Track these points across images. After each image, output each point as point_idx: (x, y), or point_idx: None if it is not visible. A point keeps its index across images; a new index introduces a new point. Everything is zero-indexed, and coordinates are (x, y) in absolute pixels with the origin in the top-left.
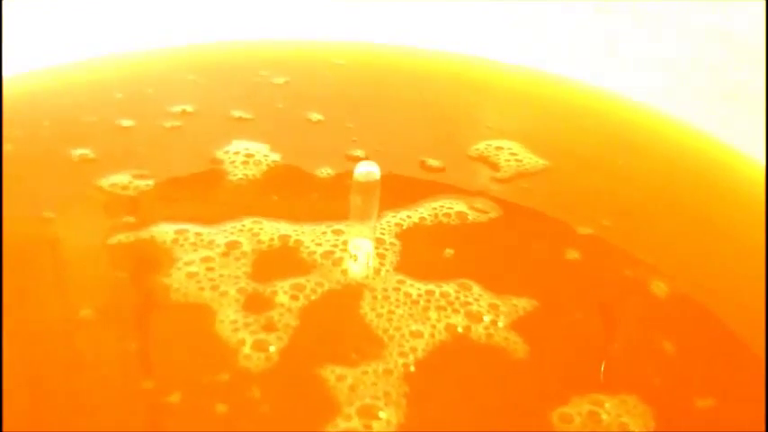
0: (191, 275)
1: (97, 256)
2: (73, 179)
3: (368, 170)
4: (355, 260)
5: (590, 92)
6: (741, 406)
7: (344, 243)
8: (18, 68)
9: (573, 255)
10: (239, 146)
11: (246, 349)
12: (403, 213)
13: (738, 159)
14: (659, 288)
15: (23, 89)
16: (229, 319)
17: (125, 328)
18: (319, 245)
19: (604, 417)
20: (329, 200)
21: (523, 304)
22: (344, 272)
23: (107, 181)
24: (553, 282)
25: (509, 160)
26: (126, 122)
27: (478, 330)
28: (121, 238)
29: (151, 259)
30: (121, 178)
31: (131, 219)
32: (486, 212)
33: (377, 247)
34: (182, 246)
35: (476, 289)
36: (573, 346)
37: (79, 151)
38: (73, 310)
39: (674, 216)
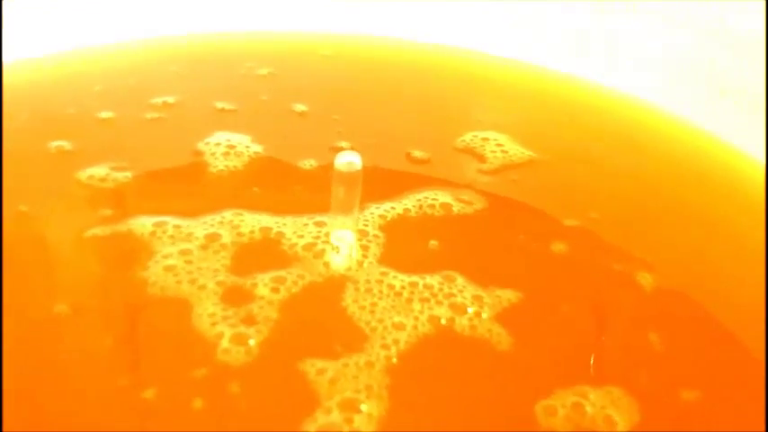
0: (168, 269)
1: (73, 250)
2: (50, 172)
3: (349, 160)
4: (337, 252)
5: (578, 85)
6: (727, 398)
7: (327, 235)
8: None
9: (559, 247)
10: (221, 137)
11: (225, 343)
12: (387, 205)
13: (724, 148)
14: (646, 280)
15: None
16: (207, 313)
17: (100, 324)
18: (301, 237)
19: (589, 409)
20: (312, 192)
21: (508, 296)
22: (326, 264)
23: (84, 173)
24: (538, 274)
25: (495, 152)
26: (105, 114)
27: (462, 322)
28: (97, 231)
29: (128, 252)
30: (99, 170)
31: (108, 212)
32: (471, 204)
33: (360, 239)
34: (159, 238)
35: (460, 281)
36: (558, 338)
37: (57, 143)
38: (47, 306)
39: (661, 209)
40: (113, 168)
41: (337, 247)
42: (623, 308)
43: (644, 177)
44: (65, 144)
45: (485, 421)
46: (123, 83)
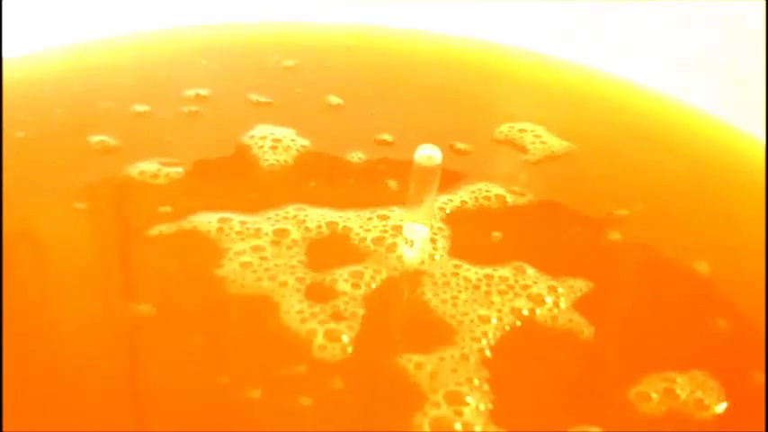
0: (244, 266)
1: (140, 249)
2: (98, 168)
3: (429, 154)
4: (411, 246)
5: (608, 80)
6: None
7: (394, 228)
8: (18, 50)
9: (615, 236)
10: (264, 131)
11: (319, 340)
12: (444, 197)
13: (752, 144)
14: (702, 268)
15: (25, 72)
16: (295, 310)
17: (189, 323)
18: (368, 231)
19: (679, 392)
20: (366, 185)
21: (579, 285)
22: (399, 258)
23: (135, 169)
24: (602, 262)
25: (534, 143)
26: (141, 108)
27: (543, 313)
28: (162, 228)
29: (199, 250)
30: (149, 166)
31: (168, 208)
32: (523, 195)
33: None
34: (227, 235)
35: (530, 271)
36: (633, 325)
37: (97, 138)
38: (127, 306)
39: (696, 200)
40: (163, 164)
41: (411, 241)
42: (686, 294)
43: (675, 171)
44: (107, 139)
45: (587, 410)
46: (152, 75)
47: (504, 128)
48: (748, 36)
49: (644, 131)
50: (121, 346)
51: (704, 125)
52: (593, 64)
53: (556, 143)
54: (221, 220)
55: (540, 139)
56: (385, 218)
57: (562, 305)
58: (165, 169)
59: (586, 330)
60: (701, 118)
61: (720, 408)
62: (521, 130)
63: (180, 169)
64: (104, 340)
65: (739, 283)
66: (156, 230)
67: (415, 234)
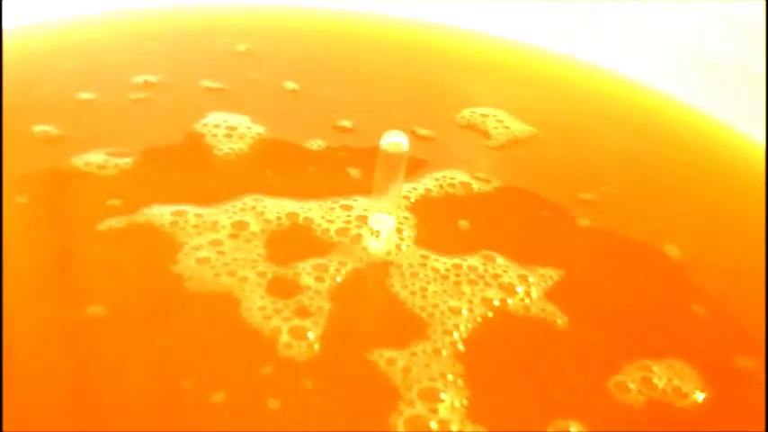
0: (202, 261)
1: (88, 245)
2: (41, 159)
3: (396, 140)
4: (377, 237)
5: (571, 65)
6: None
7: (358, 219)
8: None
9: (584, 221)
10: (218, 118)
11: (285, 337)
12: (408, 185)
13: (717, 126)
14: (673, 252)
15: None
16: (257, 306)
17: (144, 324)
18: (331, 222)
19: (657, 381)
20: (327, 174)
21: (550, 273)
22: (365, 249)
23: (80, 160)
24: (572, 249)
25: (497, 128)
26: (85, 95)
27: (515, 303)
28: (112, 222)
29: (152, 245)
30: (96, 156)
31: (117, 201)
32: (489, 181)
33: None
34: (183, 229)
35: (500, 260)
36: (607, 312)
37: (40, 127)
38: (78, 307)
39: (662, 184)
40: (111, 154)
41: (377, 232)
42: (659, 279)
43: (639, 155)
44: (49, 129)
45: (565, 404)
46: (97, 61)
47: (466, 113)
48: (707, 17)
49: (607, 116)
50: (71, 351)
51: (668, 108)
52: (554, 48)
53: (519, 128)
54: (175, 213)
55: (503, 123)
56: (348, 208)
57: (534, 294)
58: (114, 160)
59: (560, 320)
60: (664, 102)
61: (700, 396)
62: (483, 115)
63: (129, 159)
64: (52, 346)
65: (710, 267)
66: (105, 225)
67: (382, 224)
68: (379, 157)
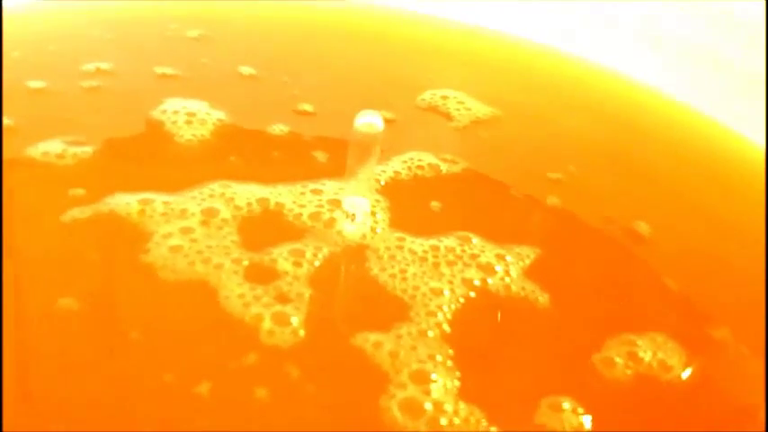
0: (174, 249)
1: (54, 236)
2: None
3: (370, 121)
4: (353, 220)
5: (526, 47)
6: (755, 334)
7: (329, 203)
8: None
9: (553, 200)
10: (175, 104)
11: (267, 324)
12: (377, 168)
13: (677, 106)
14: (643, 228)
15: None
16: (235, 294)
17: (119, 317)
18: (303, 206)
19: (642, 355)
20: (293, 158)
21: (526, 252)
22: (340, 233)
23: (36, 150)
24: (544, 227)
25: (459, 109)
26: (35, 83)
27: (495, 282)
28: (76, 213)
29: (120, 235)
30: (53, 146)
31: (80, 191)
32: (456, 163)
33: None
34: (151, 217)
35: (476, 240)
36: (585, 289)
37: None
38: (48, 301)
39: (623, 162)
40: (69, 143)
41: (353, 215)
42: (630, 256)
43: (600, 135)
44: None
45: (555, 380)
46: (43, 48)
47: (427, 95)
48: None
49: (566, 98)
50: (43, 346)
51: (629, 91)
52: (512, 33)
53: (480, 109)
54: (142, 201)
55: (464, 105)
56: (318, 192)
57: (513, 273)
58: (72, 149)
59: (541, 298)
60: (625, 85)
61: (685, 368)
62: (443, 97)
63: (88, 148)
64: (22, 340)
65: (678, 243)
66: (69, 216)
67: (356, 207)
68: (353, 138)
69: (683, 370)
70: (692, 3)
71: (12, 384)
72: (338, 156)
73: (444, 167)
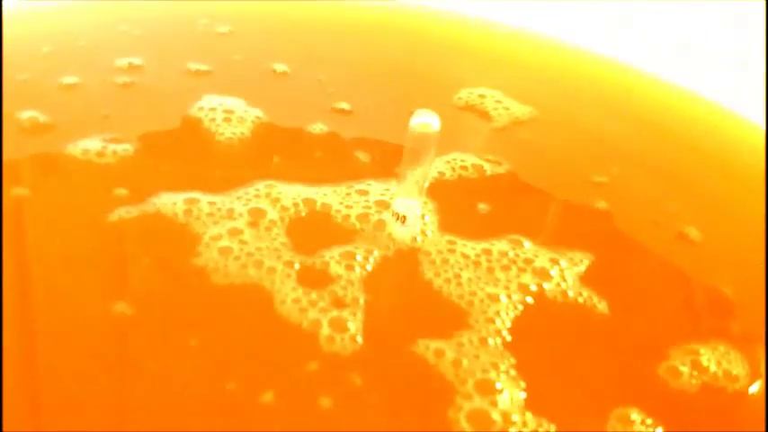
0: (224, 252)
1: (102, 238)
2: (34, 147)
3: (426, 121)
4: (403, 222)
5: (566, 50)
6: None
7: (377, 204)
8: None
9: (601, 204)
10: (212, 101)
11: (325, 330)
12: (431, 170)
13: (713, 109)
14: (693, 233)
15: None
16: (291, 299)
17: (175, 322)
18: (350, 207)
19: (707, 364)
20: (335, 158)
21: (579, 257)
22: (390, 236)
23: (76, 148)
24: (596, 232)
25: (497, 109)
26: (68, 79)
27: (551, 288)
28: (122, 213)
29: (168, 236)
30: (92, 144)
31: (124, 191)
32: (499, 164)
33: None
34: (198, 218)
35: (528, 245)
36: (642, 295)
37: (28, 114)
38: (103, 305)
39: (666, 165)
40: (108, 141)
41: (404, 217)
42: (683, 261)
43: (639, 138)
44: (36, 115)
45: (621, 390)
46: (74, 44)
47: (463, 93)
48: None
49: (604, 100)
50: (99, 353)
51: (665, 94)
52: (549, 33)
53: (518, 109)
54: (188, 201)
55: (502, 104)
56: (364, 192)
57: (569, 279)
58: (112, 147)
59: (599, 305)
60: (662, 87)
61: (747, 379)
62: (481, 96)
63: (128, 146)
64: (77, 347)
65: (731, 248)
66: (115, 215)
67: (407, 209)
68: (408, 138)
69: (750, 381)
70: (737, 12)
71: (64, 392)
72: (381, 156)
73: (488, 168)
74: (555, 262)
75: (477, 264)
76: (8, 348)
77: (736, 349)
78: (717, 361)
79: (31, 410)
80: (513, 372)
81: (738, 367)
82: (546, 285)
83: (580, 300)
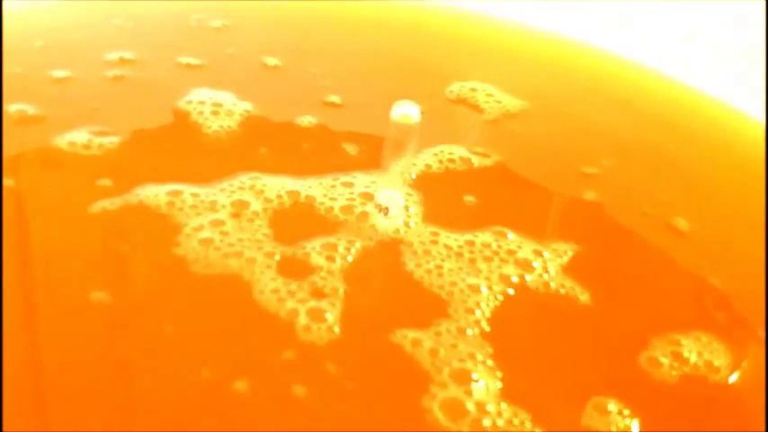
0: (205, 242)
1: (84, 228)
2: (21, 139)
3: (406, 112)
4: (386, 213)
5: (558, 42)
6: None
7: (361, 196)
8: None
9: (589, 195)
10: (201, 95)
11: (303, 320)
12: (411, 161)
13: (706, 100)
14: (682, 225)
15: None
16: (269, 288)
17: (152, 310)
18: (334, 199)
19: (688, 355)
20: (322, 150)
21: (564, 248)
22: (373, 227)
23: (63, 140)
24: (582, 223)
25: (488, 102)
26: (59, 73)
27: (533, 279)
28: (105, 204)
29: (150, 227)
30: (79, 136)
31: (108, 182)
32: (488, 156)
33: None
34: (180, 209)
35: (513, 236)
36: (626, 286)
37: (16, 107)
38: (80, 294)
39: (655, 157)
40: (94, 133)
41: (386, 208)
42: (671, 253)
43: (631, 129)
44: (26, 108)
45: (600, 380)
46: (66, 38)
47: (455, 87)
48: None
49: (596, 92)
50: (77, 341)
51: (658, 85)
52: (540, 26)
53: (510, 102)
54: (171, 193)
55: (494, 98)
56: (349, 185)
57: (551, 270)
58: (98, 139)
59: (581, 295)
60: (654, 78)
61: (728, 370)
62: (472, 89)
63: (115, 139)
64: (56, 336)
65: (719, 239)
66: (98, 206)
67: (390, 200)
68: (389, 129)
69: (731, 371)
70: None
71: (39, 381)
72: (368, 148)
73: (476, 161)
74: (538, 253)
75: (459, 255)
76: None
77: (718, 340)
78: (698, 352)
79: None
80: (490, 362)
81: (720, 358)
82: (528, 276)
83: (562, 291)
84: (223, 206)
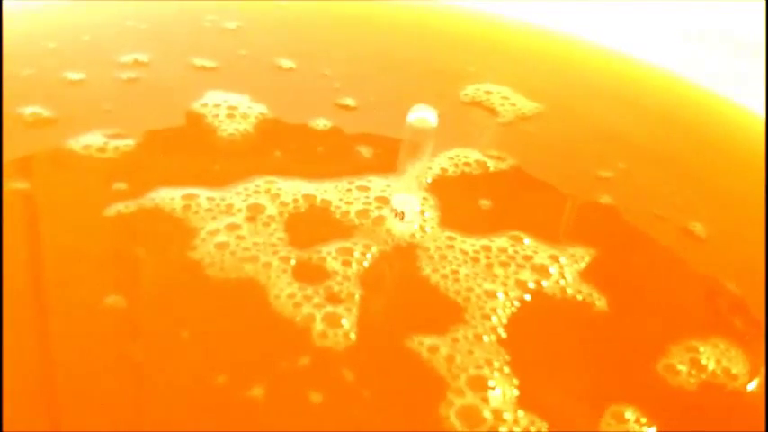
0: (221, 246)
1: (99, 231)
2: (35, 142)
3: (423, 116)
4: (402, 218)
5: (572, 43)
6: None
7: (377, 200)
8: None
9: (606, 199)
10: (216, 97)
11: (318, 326)
12: (421, 165)
13: (722, 102)
14: (698, 229)
15: None
16: (285, 294)
17: (167, 315)
18: (350, 203)
19: (705, 362)
20: (337, 153)
21: (580, 253)
22: (389, 231)
23: (77, 143)
24: (598, 227)
25: (503, 104)
26: (74, 75)
27: (550, 284)
28: (120, 207)
29: (165, 231)
30: (93, 138)
31: (123, 185)
32: (504, 160)
33: None
34: (196, 213)
35: (529, 241)
36: (643, 292)
37: (30, 109)
38: (94, 298)
39: (671, 160)
40: (109, 136)
41: (402, 213)
42: (687, 257)
43: (646, 131)
44: (40, 110)
45: (617, 388)
46: (80, 40)
47: (470, 90)
48: None
49: (611, 94)
50: (91, 344)
51: (672, 86)
52: (555, 27)
53: (525, 104)
54: (186, 197)
55: (509, 100)
56: (365, 189)
57: (568, 275)
58: (113, 142)
59: (598, 301)
60: (668, 80)
61: (746, 378)
62: (487, 92)
63: (130, 141)
64: (70, 339)
65: (737, 244)
66: (113, 210)
67: (406, 205)
68: (405, 133)
69: (749, 379)
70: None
71: (53, 385)
72: (383, 151)
73: (492, 164)
74: (555, 258)
75: (475, 260)
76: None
77: (736, 346)
78: (716, 359)
79: (20, 399)
80: (506, 369)
81: (738, 365)
82: (544, 282)
83: (579, 297)
84: (239, 210)
